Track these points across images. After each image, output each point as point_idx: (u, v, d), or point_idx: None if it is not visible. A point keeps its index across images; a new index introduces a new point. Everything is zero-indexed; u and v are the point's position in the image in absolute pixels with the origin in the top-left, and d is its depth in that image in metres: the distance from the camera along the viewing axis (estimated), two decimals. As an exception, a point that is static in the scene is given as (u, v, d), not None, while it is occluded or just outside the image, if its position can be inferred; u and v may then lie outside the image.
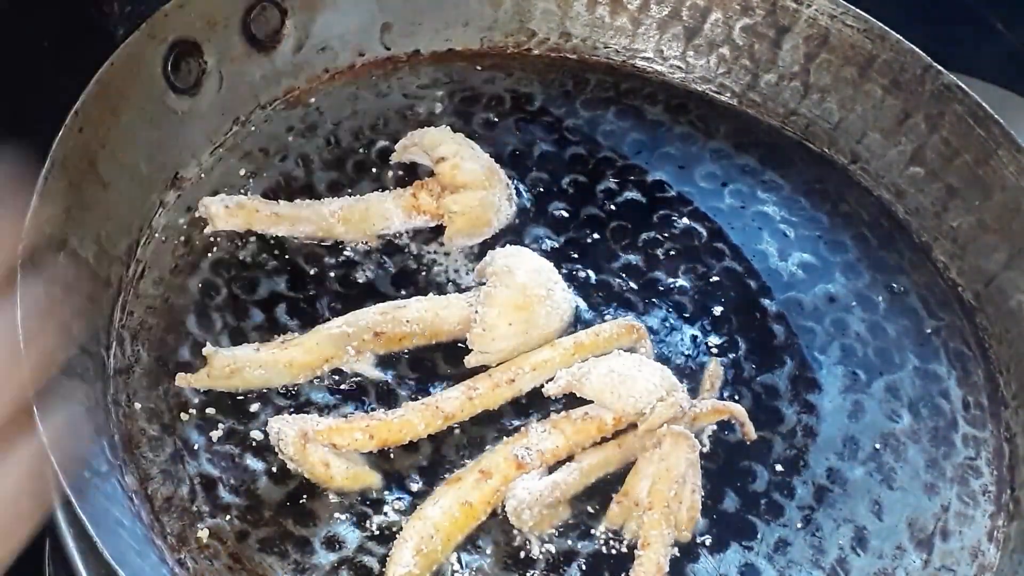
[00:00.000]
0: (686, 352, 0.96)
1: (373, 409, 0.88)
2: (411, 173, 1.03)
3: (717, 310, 0.99)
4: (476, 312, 0.91)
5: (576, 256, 1.00)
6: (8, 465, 0.63)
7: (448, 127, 1.03)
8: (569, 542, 0.85)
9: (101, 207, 0.93)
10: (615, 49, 1.17)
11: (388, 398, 0.89)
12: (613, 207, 1.05)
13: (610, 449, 0.87)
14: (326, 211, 0.97)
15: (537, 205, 1.03)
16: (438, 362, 0.92)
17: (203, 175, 1.01)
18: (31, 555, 1.00)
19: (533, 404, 0.90)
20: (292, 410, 0.87)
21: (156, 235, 0.97)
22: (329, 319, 0.92)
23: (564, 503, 0.85)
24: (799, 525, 0.89)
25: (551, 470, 0.85)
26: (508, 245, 0.98)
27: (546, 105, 1.12)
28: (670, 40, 1.16)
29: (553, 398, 0.90)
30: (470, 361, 0.91)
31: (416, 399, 0.88)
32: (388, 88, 1.11)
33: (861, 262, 1.05)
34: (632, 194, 1.06)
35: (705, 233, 1.04)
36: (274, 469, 0.85)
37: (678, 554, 0.85)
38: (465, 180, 0.98)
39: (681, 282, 1.00)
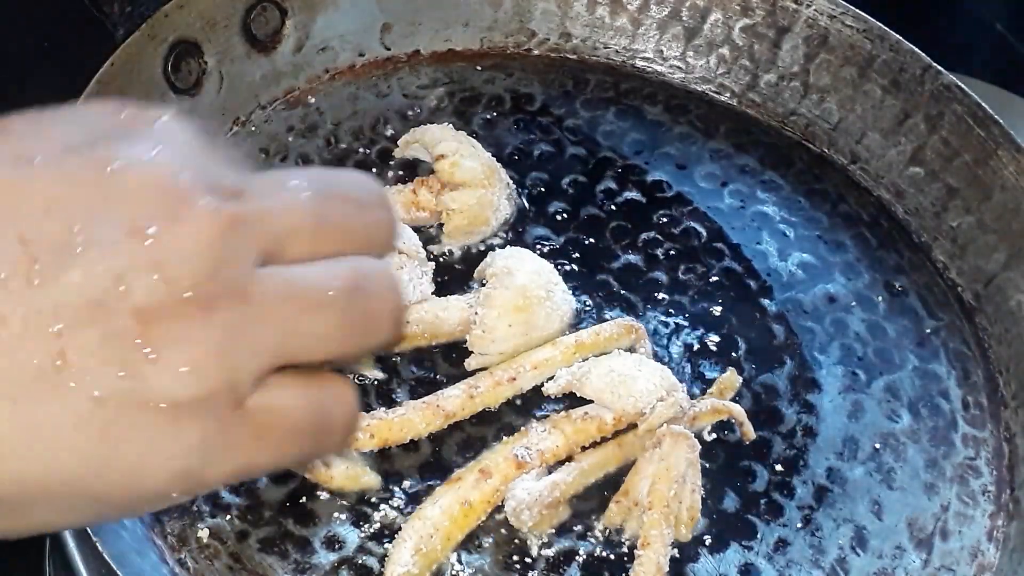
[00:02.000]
0: (686, 352, 0.96)
1: (373, 409, 0.88)
2: (412, 173, 1.03)
3: (717, 310, 0.99)
4: (476, 314, 0.91)
5: (576, 256, 1.00)
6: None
7: (450, 125, 1.03)
8: (569, 542, 0.85)
9: (101, 207, 0.93)
10: (615, 49, 1.17)
11: (388, 398, 0.90)
12: (613, 207, 1.05)
13: (610, 449, 0.87)
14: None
15: (537, 205, 1.04)
16: (438, 362, 0.92)
17: (203, 175, 1.01)
18: (31, 555, 1.00)
19: (533, 404, 0.90)
20: (292, 410, 0.87)
21: (156, 235, 0.97)
22: (329, 319, 0.91)
23: (564, 503, 0.85)
24: (799, 525, 0.89)
25: (551, 470, 0.85)
26: (508, 246, 0.98)
27: (546, 105, 1.12)
28: (670, 40, 1.17)
29: (553, 397, 0.90)
30: (470, 364, 0.91)
31: (416, 399, 0.88)
32: (388, 88, 1.11)
33: (861, 262, 1.05)
34: (632, 194, 1.06)
35: (705, 233, 1.04)
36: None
37: (678, 554, 0.85)
38: (464, 178, 0.98)
39: (681, 282, 1.00)
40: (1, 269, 0.43)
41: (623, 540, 0.85)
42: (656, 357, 0.94)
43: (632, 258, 1.01)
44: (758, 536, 0.87)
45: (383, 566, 0.81)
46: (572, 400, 0.89)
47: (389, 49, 1.13)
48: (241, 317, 0.46)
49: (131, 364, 0.44)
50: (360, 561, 0.82)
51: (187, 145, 0.47)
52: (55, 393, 0.43)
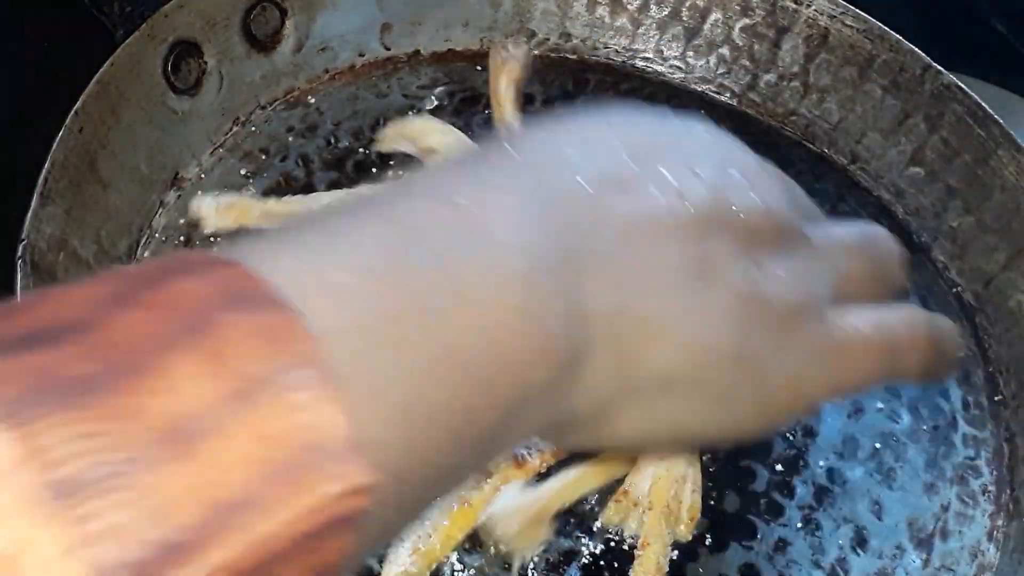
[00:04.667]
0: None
1: (373, 409, 0.88)
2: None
3: (717, 310, 0.98)
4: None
5: (576, 256, 1.00)
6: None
7: (436, 117, 1.02)
8: (569, 542, 0.85)
9: (101, 207, 0.93)
10: (615, 49, 1.17)
11: (388, 398, 0.89)
12: (613, 207, 1.04)
13: (604, 463, 0.86)
14: (317, 206, 0.97)
15: (537, 205, 1.03)
16: (438, 362, 0.92)
17: (203, 175, 1.01)
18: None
19: (533, 404, 0.90)
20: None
21: (156, 235, 0.97)
22: (329, 319, 0.91)
23: (548, 520, 0.83)
24: (799, 525, 0.89)
25: (541, 477, 0.85)
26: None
27: (546, 105, 1.12)
28: (670, 40, 1.16)
29: (553, 398, 0.89)
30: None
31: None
32: (388, 88, 1.11)
33: (861, 262, 1.05)
34: (632, 194, 1.06)
35: (705, 233, 1.04)
36: (274, 469, 0.85)
37: (678, 554, 0.85)
38: (462, 176, 0.97)
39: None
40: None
41: (623, 540, 0.85)
42: (656, 357, 0.93)
43: (632, 258, 1.01)
44: (758, 536, 0.87)
45: (383, 566, 0.81)
46: (572, 400, 0.89)
47: (389, 49, 1.13)
48: (811, 254, 0.57)
49: (747, 269, 0.53)
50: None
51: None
52: (706, 287, 0.51)
